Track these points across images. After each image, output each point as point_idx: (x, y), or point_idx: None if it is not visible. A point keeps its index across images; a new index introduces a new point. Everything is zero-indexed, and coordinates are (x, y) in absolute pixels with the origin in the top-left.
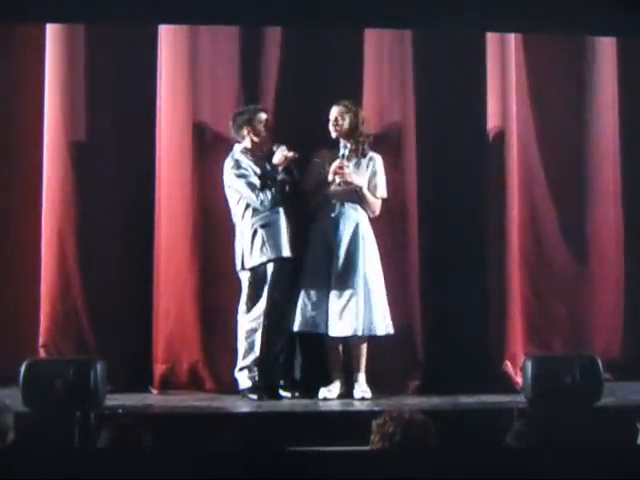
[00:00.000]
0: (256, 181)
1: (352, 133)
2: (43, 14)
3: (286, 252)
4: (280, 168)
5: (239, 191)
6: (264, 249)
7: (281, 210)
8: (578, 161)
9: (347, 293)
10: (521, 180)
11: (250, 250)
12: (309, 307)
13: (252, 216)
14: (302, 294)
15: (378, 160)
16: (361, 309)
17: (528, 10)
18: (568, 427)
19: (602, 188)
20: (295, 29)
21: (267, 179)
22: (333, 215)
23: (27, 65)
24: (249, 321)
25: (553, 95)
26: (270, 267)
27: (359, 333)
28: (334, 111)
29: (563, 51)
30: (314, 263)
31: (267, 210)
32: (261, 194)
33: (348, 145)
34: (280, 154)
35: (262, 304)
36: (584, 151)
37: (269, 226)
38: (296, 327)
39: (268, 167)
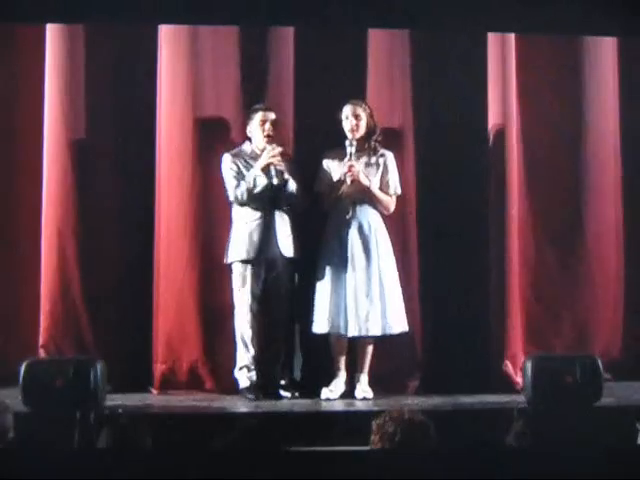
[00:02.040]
0: (240, 177)
1: (366, 131)
2: (43, 14)
3: (260, 254)
4: (270, 167)
5: (225, 185)
6: (241, 247)
7: (269, 211)
8: (578, 161)
9: (363, 294)
10: (521, 179)
11: (231, 245)
12: (325, 308)
13: (239, 212)
14: (317, 295)
15: (389, 157)
16: (379, 309)
17: (528, 10)
18: (568, 427)
19: (602, 188)
20: (296, 28)
21: (252, 176)
22: (346, 215)
23: (27, 65)
24: (242, 318)
25: (553, 95)
26: (250, 265)
27: (378, 332)
28: (348, 110)
29: (563, 51)
30: (328, 263)
31: (252, 207)
32: (237, 190)
33: (354, 143)
34: (265, 156)
35: (252, 302)
36: (584, 151)
37: (252, 225)
38: (315, 329)
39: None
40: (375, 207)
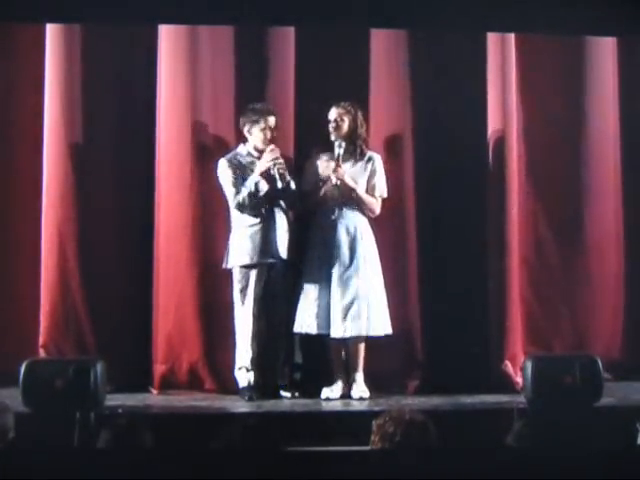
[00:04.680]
0: (239, 183)
1: (350, 135)
2: (43, 14)
3: (263, 258)
4: (271, 171)
5: (224, 190)
6: (242, 252)
7: (269, 214)
8: (578, 161)
9: (347, 295)
10: (521, 179)
11: (232, 250)
12: (309, 309)
13: (238, 217)
14: (302, 296)
15: (377, 159)
16: (363, 310)
17: (528, 10)
18: (568, 427)
19: (602, 188)
20: (296, 28)
21: (252, 181)
22: (331, 217)
23: (27, 65)
24: (242, 320)
25: (553, 95)
26: (252, 269)
27: (360, 334)
28: (333, 113)
29: (563, 51)
30: (313, 264)
31: (253, 213)
32: (238, 197)
33: (343, 145)
34: (264, 160)
35: (254, 305)
36: (584, 151)
37: (254, 229)
38: (296, 328)
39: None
40: (361, 209)
